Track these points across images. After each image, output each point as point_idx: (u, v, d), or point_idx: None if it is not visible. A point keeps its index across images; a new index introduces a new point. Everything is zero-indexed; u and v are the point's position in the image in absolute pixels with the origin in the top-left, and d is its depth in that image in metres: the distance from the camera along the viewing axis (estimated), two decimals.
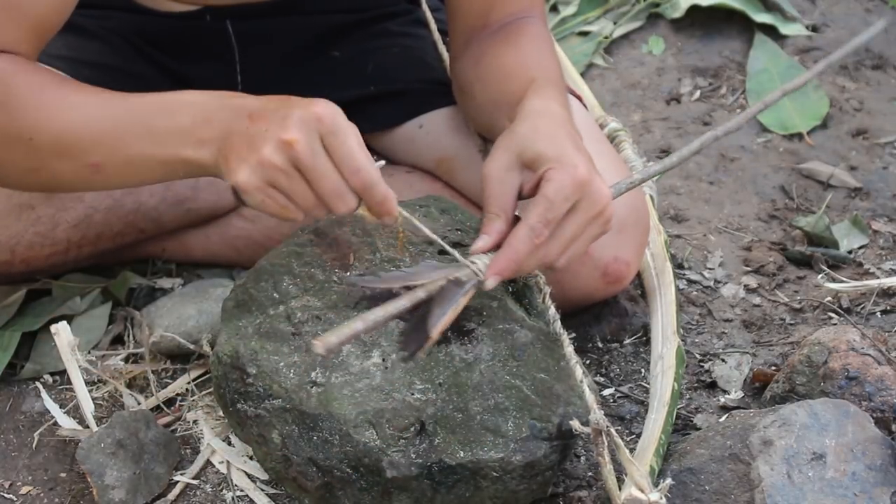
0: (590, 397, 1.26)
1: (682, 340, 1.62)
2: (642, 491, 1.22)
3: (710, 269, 1.78)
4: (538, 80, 1.38)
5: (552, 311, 1.34)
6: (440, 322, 1.22)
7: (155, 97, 1.31)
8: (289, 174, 1.21)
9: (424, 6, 1.69)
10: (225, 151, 1.24)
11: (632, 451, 1.39)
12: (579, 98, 1.68)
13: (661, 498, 1.22)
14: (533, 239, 1.23)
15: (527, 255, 1.24)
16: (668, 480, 1.24)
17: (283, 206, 1.23)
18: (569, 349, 1.30)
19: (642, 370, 1.59)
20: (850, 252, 1.81)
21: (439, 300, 1.23)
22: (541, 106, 1.32)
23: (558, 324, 1.33)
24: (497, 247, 1.25)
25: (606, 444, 1.24)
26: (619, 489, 1.25)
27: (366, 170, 1.21)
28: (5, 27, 1.33)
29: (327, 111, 1.21)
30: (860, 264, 1.78)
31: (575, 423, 1.26)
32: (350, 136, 1.21)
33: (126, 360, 1.59)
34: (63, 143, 1.31)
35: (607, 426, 1.23)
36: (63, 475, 1.45)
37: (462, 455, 1.25)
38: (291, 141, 1.20)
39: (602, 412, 1.24)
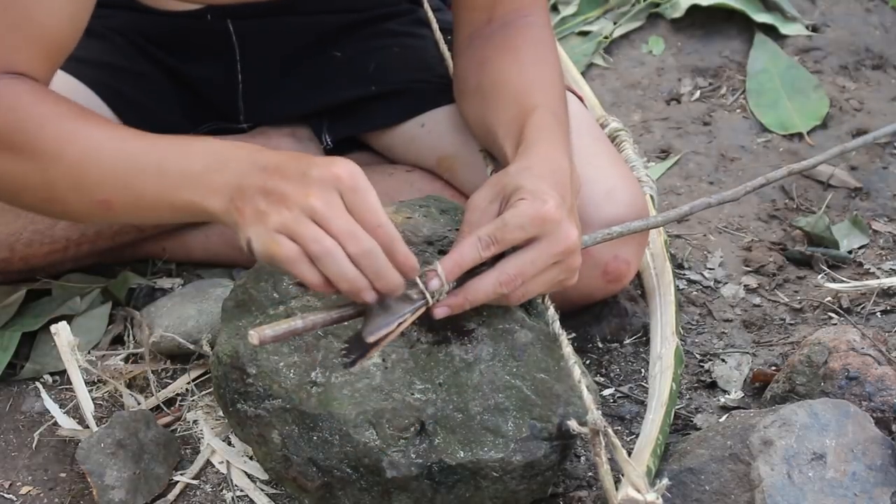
0: (587, 397, 1.26)
1: (682, 340, 1.62)
2: (639, 491, 1.22)
3: (710, 269, 1.78)
4: (539, 108, 1.38)
5: (551, 310, 1.34)
6: (381, 331, 1.21)
7: (171, 139, 1.30)
8: (308, 224, 1.18)
9: (426, 6, 1.69)
10: (238, 203, 1.22)
11: (631, 451, 1.39)
12: (580, 98, 1.68)
13: (657, 498, 1.21)
14: (478, 248, 1.23)
15: (471, 260, 1.24)
16: (665, 481, 1.24)
17: (297, 258, 1.19)
18: (567, 349, 1.30)
19: (642, 370, 1.59)
20: (850, 252, 1.81)
21: (384, 311, 1.23)
22: (542, 153, 1.32)
23: (557, 324, 1.33)
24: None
25: (604, 444, 1.24)
26: (617, 489, 1.25)
27: (387, 226, 1.20)
28: (19, 46, 1.32)
29: (346, 170, 1.19)
30: (860, 264, 1.78)
31: (572, 424, 1.25)
32: (370, 193, 1.20)
33: (126, 360, 1.59)
34: (75, 176, 1.29)
35: (604, 426, 1.23)
36: (63, 475, 1.45)
37: (462, 455, 1.25)
38: (310, 195, 1.18)
39: (600, 412, 1.24)
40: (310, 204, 1.18)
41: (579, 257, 1.28)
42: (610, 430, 1.23)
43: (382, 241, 1.20)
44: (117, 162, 1.28)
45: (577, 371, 1.28)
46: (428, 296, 1.24)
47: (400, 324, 1.22)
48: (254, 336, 1.17)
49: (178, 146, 1.28)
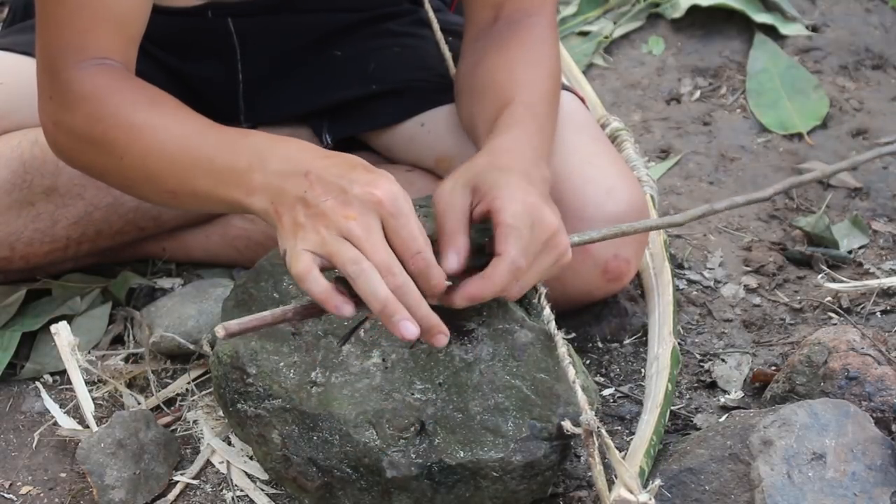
0: (581, 398, 1.26)
1: (682, 340, 1.62)
2: (631, 492, 1.22)
3: (710, 269, 1.78)
4: (515, 103, 1.40)
5: (547, 310, 1.34)
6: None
7: (227, 133, 1.32)
8: (341, 243, 1.19)
9: (427, 6, 1.69)
10: (278, 207, 1.23)
11: (627, 451, 1.39)
12: (582, 99, 1.68)
13: (649, 499, 1.22)
14: (515, 273, 1.24)
15: (508, 287, 1.25)
16: (658, 481, 1.25)
17: (325, 294, 1.19)
18: (562, 350, 1.30)
19: (642, 370, 1.59)
20: (850, 252, 1.81)
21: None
22: (505, 144, 1.34)
23: (553, 324, 1.33)
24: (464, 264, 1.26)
25: (597, 445, 1.24)
26: (611, 490, 1.25)
27: (425, 252, 1.21)
28: (91, 29, 1.36)
29: (388, 194, 1.20)
30: (860, 264, 1.78)
31: (566, 424, 1.26)
32: (411, 219, 1.21)
33: (126, 360, 1.59)
34: (143, 168, 1.33)
35: (598, 427, 1.23)
36: (63, 475, 1.45)
37: (462, 455, 1.26)
38: (349, 217, 1.19)
39: (593, 413, 1.24)
40: (348, 227, 1.19)
41: (565, 237, 1.29)
42: (603, 431, 1.24)
43: (419, 267, 1.20)
44: (177, 155, 1.31)
45: (571, 372, 1.28)
46: None
47: None
48: (220, 330, 1.17)
49: (229, 141, 1.30)
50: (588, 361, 1.60)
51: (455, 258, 1.25)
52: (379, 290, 1.18)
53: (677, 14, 2.33)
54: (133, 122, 1.33)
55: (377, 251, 1.19)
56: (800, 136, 2.08)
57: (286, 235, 1.22)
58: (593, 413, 1.25)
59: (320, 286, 1.19)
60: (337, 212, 1.19)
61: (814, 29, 2.33)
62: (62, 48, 1.36)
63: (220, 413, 1.47)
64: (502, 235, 1.25)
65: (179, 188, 1.33)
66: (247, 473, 1.43)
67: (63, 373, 1.57)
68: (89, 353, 1.58)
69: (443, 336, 1.21)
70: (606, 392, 1.56)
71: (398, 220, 1.20)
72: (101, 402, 1.53)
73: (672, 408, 1.50)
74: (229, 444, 1.47)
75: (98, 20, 1.36)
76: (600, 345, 1.63)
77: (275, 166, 1.25)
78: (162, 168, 1.32)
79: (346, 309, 1.19)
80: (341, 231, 1.19)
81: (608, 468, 1.26)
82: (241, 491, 1.41)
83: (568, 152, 1.52)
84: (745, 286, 1.74)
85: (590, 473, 1.42)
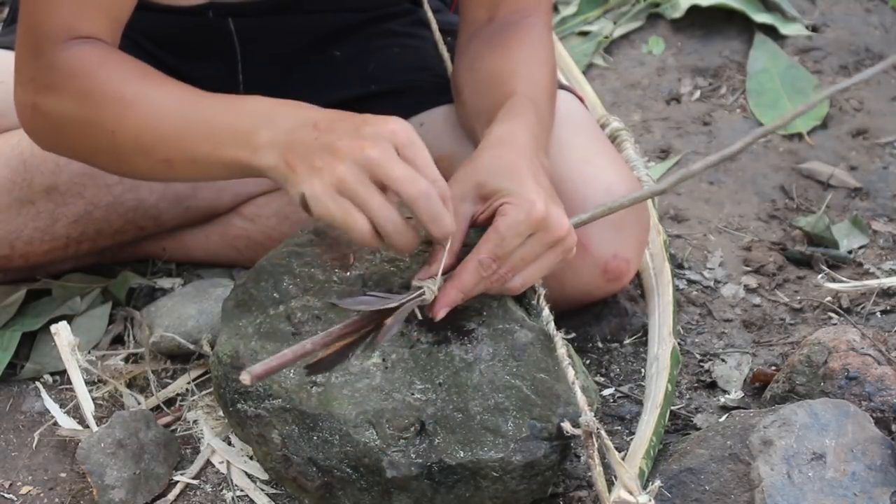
0: (581, 399, 1.26)
1: (682, 340, 1.62)
2: (631, 493, 1.22)
3: (710, 269, 1.78)
4: (517, 94, 1.40)
5: (546, 312, 1.34)
6: (377, 305, 1.25)
7: (224, 98, 1.32)
8: (364, 181, 1.19)
9: (426, 6, 1.69)
10: (290, 160, 1.23)
11: (627, 451, 1.39)
12: (581, 99, 1.68)
13: (649, 500, 1.22)
14: (480, 273, 1.26)
15: (474, 286, 1.27)
16: (657, 483, 1.25)
17: (353, 217, 1.20)
18: (561, 350, 1.30)
19: (642, 370, 1.59)
20: (850, 252, 1.81)
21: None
22: (507, 133, 1.34)
23: (552, 325, 1.33)
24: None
25: (597, 446, 1.24)
26: (611, 491, 1.25)
27: (441, 181, 1.21)
28: (81, 10, 1.35)
29: (400, 126, 1.21)
30: (860, 264, 1.78)
31: (566, 425, 1.26)
32: (424, 149, 1.21)
33: (126, 360, 1.59)
34: (139, 137, 1.32)
35: (598, 428, 1.23)
36: (63, 475, 1.45)
37: (462, 455, 1.26)
38: (364, 147, 1.19)
39: (593, 414, 1.25)
40: (365, 155, 1.19)
41: (574, 236, 1.30)
42: (603, 432, 1.24)
43: (440, 194, 1.22)
44: (173, 122, 1.31)
45: (570, 373, 1.28)
46: (427, 287, 1.25)
47: (401, 304, 1.24)
48: (245, 377, 1.17)
49: (228, 104, 1.30)
50: (588, 361, 1.60)
51: (453, 293, 1.26)
52: (398, 222, 1.19)
53: (677, 14, 2.33)
54: (124, 93, 1.33)
55: (395, 167, 1.19)
56: (800, 136, 2.08)
57: (303, 180, 1.22)
58: (593, 414, 1.25)
59: (341, 207, 1.19)
60: (352, 145, 1.20)
61: (814, 29, 2.33)
62: (50, 28, 1.35)
63: (220, 413, 1.47)
64: (485, 237, 1.26)
65: (176, 156, 1.31)
66: (247, 473, 1.43)
67: (63, 373, 1.57)
68: (89, 353, 1.58)
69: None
70: (606, 392, 1.56)
71: (412, 150, 1.21)
72: (101, 402, 1.53)
73: (672, 408, 1.50)
74: (229, 444, 1.47)
75: (88, 2, 1.36)
76: (600, 345, 1.63)
77: (283, 123, 1.25)
78: (157, 137, 1.31)
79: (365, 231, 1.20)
80: (357, 160, 1.19)
81: (608, 469, 1.26)
82: (241, 491, 1.42)
83: (567, 152, 1.52)
84: (745, 286, 1.74)
85: (590, 473, 1.42)
